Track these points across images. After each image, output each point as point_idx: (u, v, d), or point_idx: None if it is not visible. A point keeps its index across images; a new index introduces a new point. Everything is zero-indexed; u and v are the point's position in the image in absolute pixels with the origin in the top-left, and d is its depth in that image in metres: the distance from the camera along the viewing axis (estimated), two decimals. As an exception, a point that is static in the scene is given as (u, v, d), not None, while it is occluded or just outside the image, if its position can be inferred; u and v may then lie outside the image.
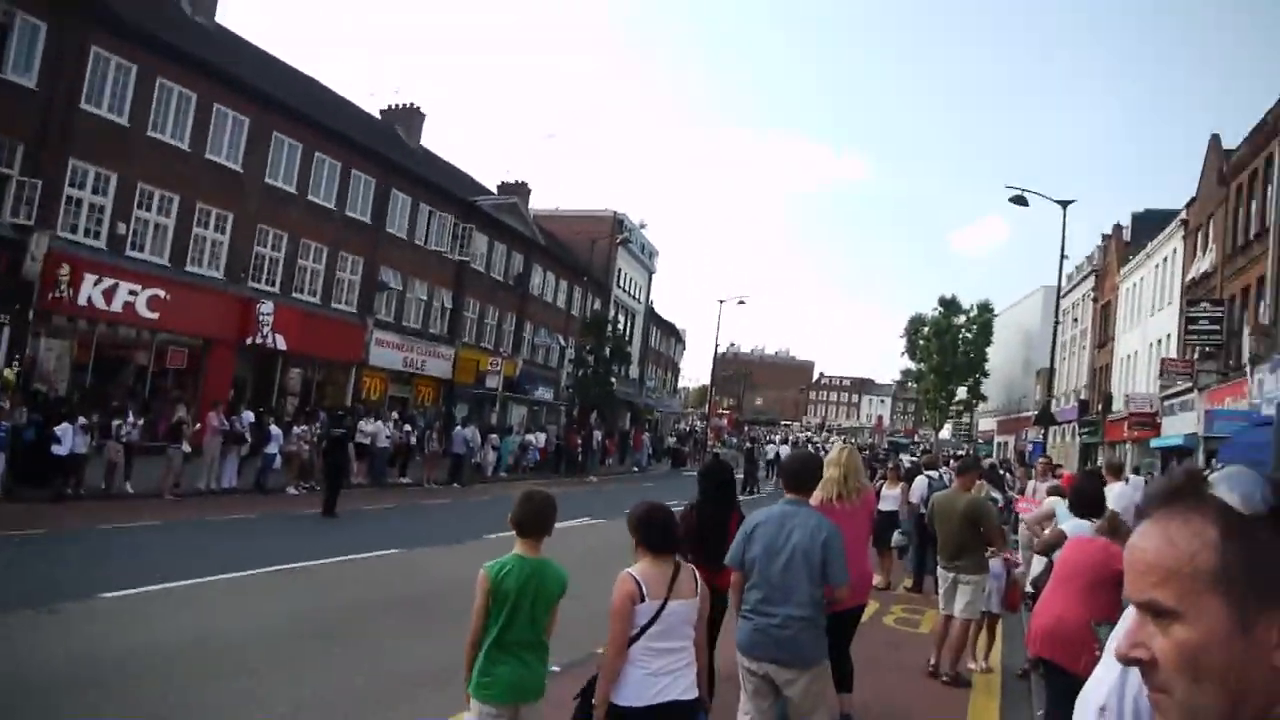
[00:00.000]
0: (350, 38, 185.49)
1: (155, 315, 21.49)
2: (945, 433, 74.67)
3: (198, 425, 19.15)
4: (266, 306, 24.48)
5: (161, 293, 21.52)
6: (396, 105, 36.25)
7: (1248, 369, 22.95)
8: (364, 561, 12.49)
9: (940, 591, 8.33)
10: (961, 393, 68.10)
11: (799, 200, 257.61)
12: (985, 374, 64.99)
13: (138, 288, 20.99)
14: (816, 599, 4.45)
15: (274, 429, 20.80)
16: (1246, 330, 22.92)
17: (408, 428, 27.68)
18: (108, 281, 20.29)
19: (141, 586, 9.51)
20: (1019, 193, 30.33)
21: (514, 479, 29.94)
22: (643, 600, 3.79)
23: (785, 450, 39.10)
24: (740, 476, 29.01)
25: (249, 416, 20.66)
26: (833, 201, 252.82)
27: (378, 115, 35.78)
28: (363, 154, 29.15)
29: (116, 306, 20.57)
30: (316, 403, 26.92)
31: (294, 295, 26.37)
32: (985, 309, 65.54)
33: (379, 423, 25.54)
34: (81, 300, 19.74)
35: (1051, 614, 5.17)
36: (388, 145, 32.08)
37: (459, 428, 29.50)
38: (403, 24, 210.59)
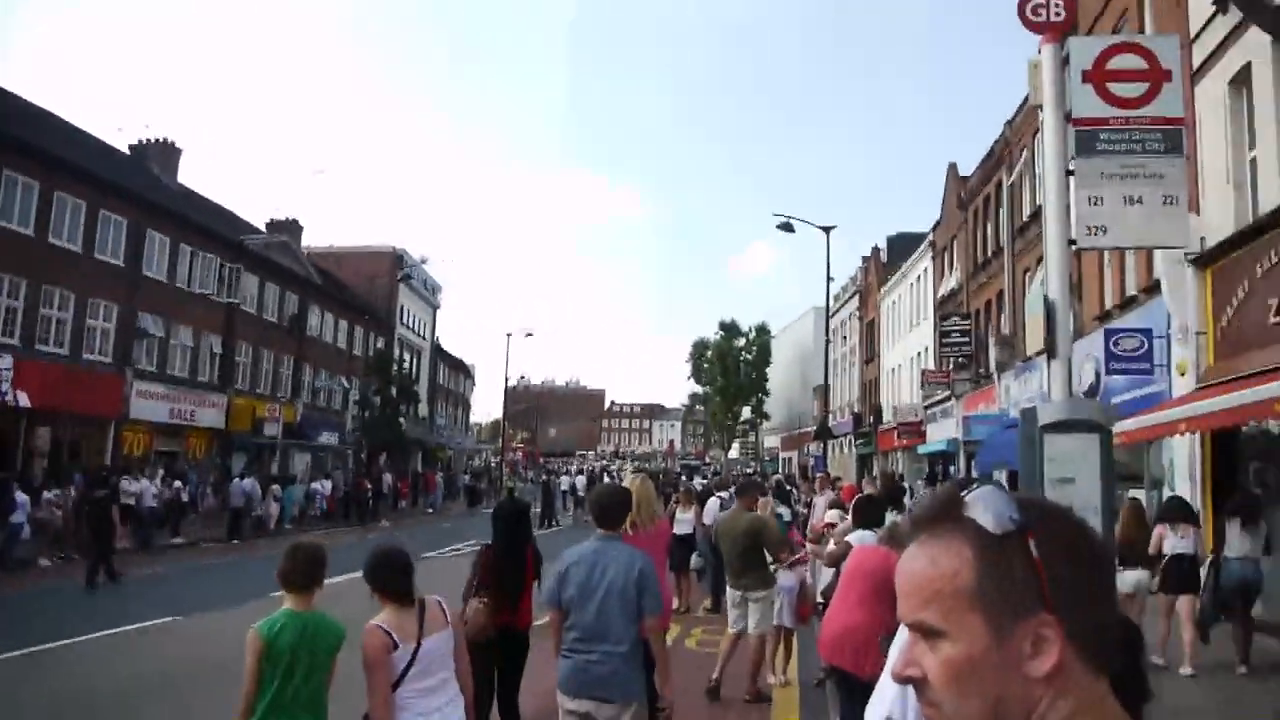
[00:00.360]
0: (90, 67, 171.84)
1: None
2: (734, 452, 77.61)
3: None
4: (5, 361, 22.07)
5: (-128, 350, 18.96)
6: (148, 140, 33.78)
7: (995, 376, 25.23)
8: (135, 633, 11.45)
9: (730, 610, 8.52)
10: (746, 412, 71.09)
11: (584, 233, 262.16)
12: (767, 393, 68.13)
13: None
14: (633, 634, 4.47)
15: (20, 495, 18.75)
16: (992, 340, 25.22)
17: (178, 484, 25.78)
18: None
19: None
20: (785, 219, 32.28)
21: (300, 530, 28.45)
22: (396, 648, 3.71)
23: (580, 481, 39.32)
24: (537, 510, 28.98)
25: (-11, 483, 18.51)
26: (614, 234, 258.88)
27: (127, 151, 33.23)
28: (112, 192, 26.93)
29: None
30: (70, 464, 24.49)
31: (38, 348, 23.91)
32: (763, 331, 68.82)
33: (144, 481, 23.65)
34: None
35: (838, 621, 5.40)
36: (141, 183, 29.86)
37: (237, 480, 27.72)
38: (151, 54, 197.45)
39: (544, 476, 40.76)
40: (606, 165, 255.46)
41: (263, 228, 40.11)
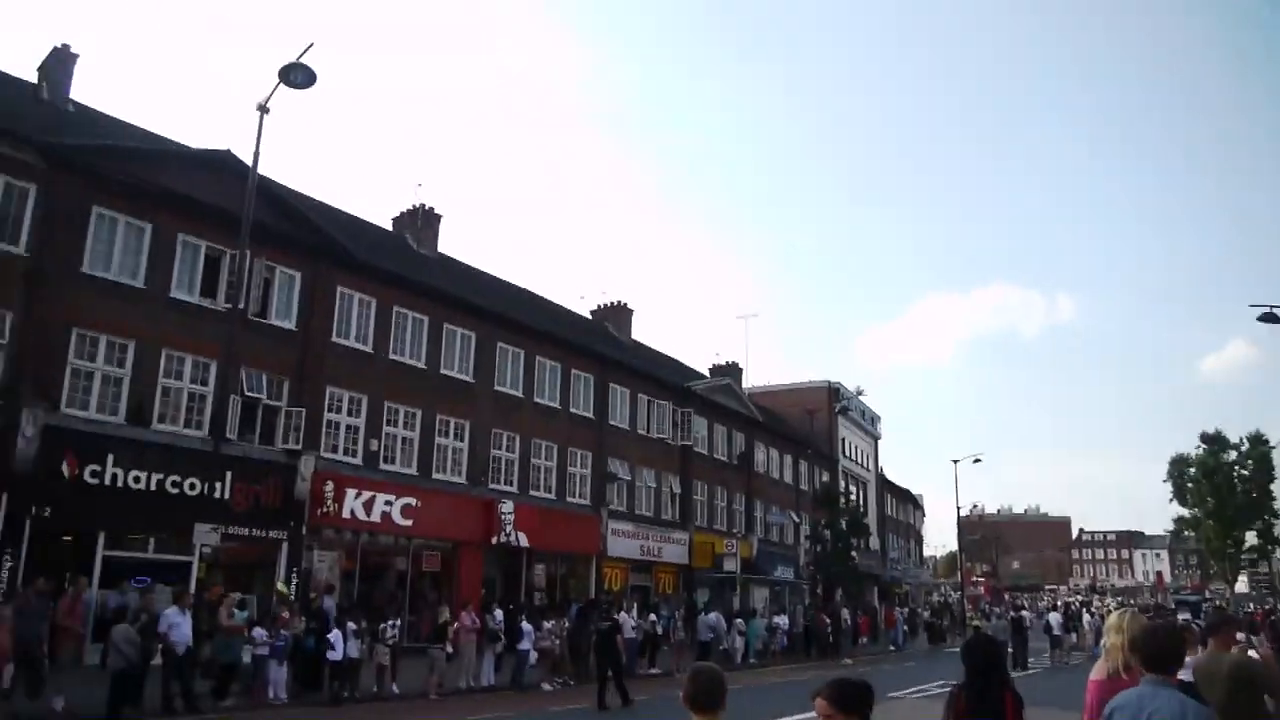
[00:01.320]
0: (556, 248, 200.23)
1: (409, 522, 22.76)
2: (1241, 585, 65.88)
3: (455, 625, 19.60)
4: (507, 506, 25.41)
5: (413, 500, 22.85)
6: (606, 305, 38.26)
7: None
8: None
9: None
10: (1251, 538, 60.40)
11: (1018, 351, 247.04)
12: (1277, 515, 57.49)
13: (392, 497, 22.40)
14: None
15: (525, 625, 20.95)
16: None
17: (652, 617, 27.30)
18: (366, 494, 21.82)
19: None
20: (1268, 310, 27.63)
21: (764, 664, 28.58)
22: None
23: (1055, 618, 35.43)
24: (1010, 652, 26.42)
25: (499, 614, 20.99)
26: (1052, 348, 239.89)
27: (589, 316, 37.81)
28: (580, 353, 30.65)
29: (375, 516, 21.98)
30: (562, 597, 27.19)
31: (531, 493, 27.30)
32: (1258, 441, 58.58)
33: (623, 613, 25.37)
34: (345, 513, 21.25)
35: None
36: (602, 343, 33.63)
37: (703, 614, 28.84)
38: (603, 232, 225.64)
39: (1012, 613, 37.39)
40: (1037, 278, 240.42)
41: (706, 373, 42.95)
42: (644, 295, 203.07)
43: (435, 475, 24.35)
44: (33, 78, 21.34)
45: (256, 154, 17.16)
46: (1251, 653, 10.79)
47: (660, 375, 35.74)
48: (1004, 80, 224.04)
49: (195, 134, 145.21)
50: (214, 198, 19.46)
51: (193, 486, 17.95)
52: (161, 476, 17.84)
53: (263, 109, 17.02)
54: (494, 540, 24.98)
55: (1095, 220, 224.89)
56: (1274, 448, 58.00)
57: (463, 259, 32.07)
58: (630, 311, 38.53)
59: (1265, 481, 56.99)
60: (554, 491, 28.40)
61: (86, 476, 17.06)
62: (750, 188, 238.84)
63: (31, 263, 17.15)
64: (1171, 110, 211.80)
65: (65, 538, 17.20)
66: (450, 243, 30.63)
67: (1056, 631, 33.49)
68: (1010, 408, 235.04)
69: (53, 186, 17.51)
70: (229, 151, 20.29)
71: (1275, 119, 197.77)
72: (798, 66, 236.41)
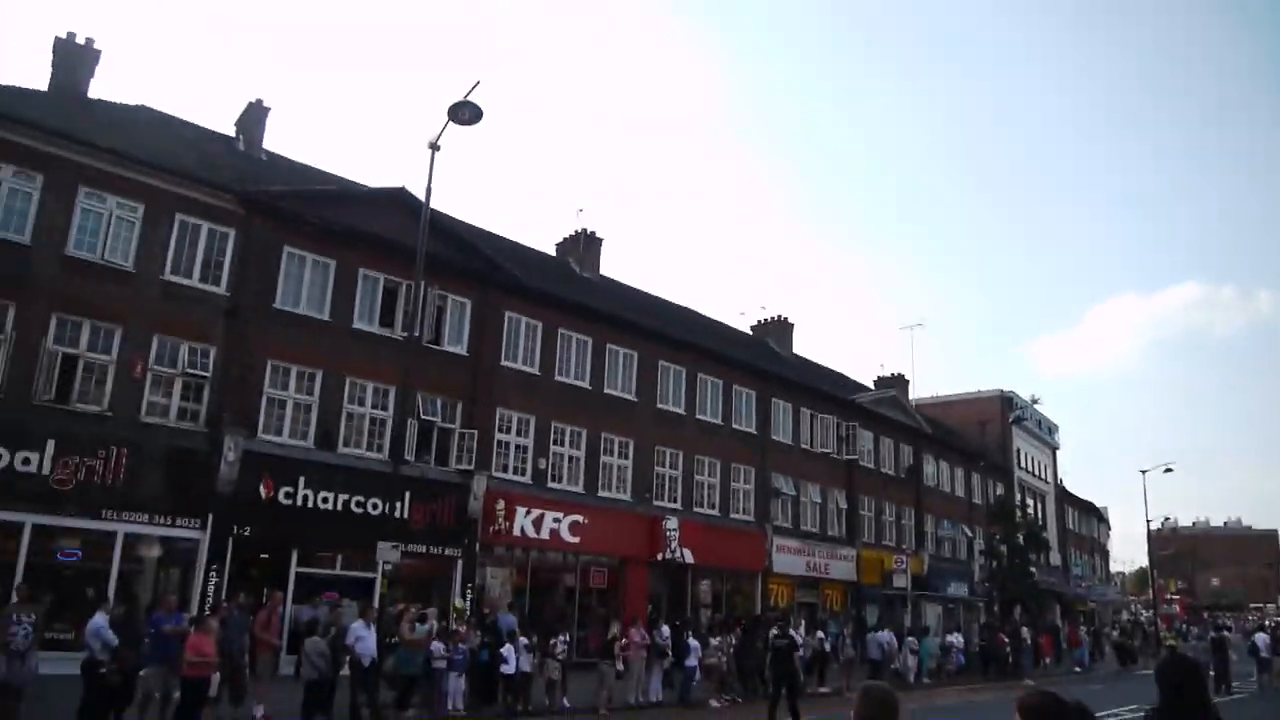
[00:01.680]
0: (716, 266, 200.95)
1: (576, 539, 23.37)
2: None
3: (623, 640, 19.91)
4: (671, 522, 25.66)
5: (580, 518, 23.46)
6: (766, 320, 38.09)
7: None
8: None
9: None
10: None
11: (1212, 351, 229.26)
12: None
13: (560, 515, 23.08)
14: None
15: (692, 641, 21.08)
16: None
17: (820, 634, 26.91)
18: (535, 512, 22.58)
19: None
20: None
21: (938, 684, 27.67)
22: None
23: (1263, 639, 32.63)
24: (1211, 674, 24.54)
25: (666, 630, 21.18)
26: (1251, 347, 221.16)
27: (749, 331, 37.73)
28: (741, 369, 30.64)
29: (544, 534, 22.71)
30: (728, 613, 27.18)
31: (695, 509, 27.46)
32: None
33: (793, 630, 25.11)
34: (516, 531, 22.05)
35: None
36: (763, 358, 33.50)
37: (872, 632, 28.20)
38: (763, 249, 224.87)
39: (1212, 632, 34.71)
40: (1230, 271, 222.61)
41: (871, 385, 42.05)
42: (805, 310, 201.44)
43: (601, 493, 24.88)
44: (231, 131, 23.33)
45: (429, 190, 18.06)
46: None
47: (823, 389, 35.25)
48: (1179, 65, 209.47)
49: (373, 173, 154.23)
50: (391, 233, 20.70)
51: (375, 506, 19.04)
52: (347, 497, 19.07)
53: (434, 146, 17.89)
54: (659, 557, 25.28)
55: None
56: None
57: (624, 280, 32.73)
58: (791, 326, 38.24)
59: None
60: (717, 508, 28.47)
61: (281, 498, 18.46)
62: (912, 196, 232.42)
63: (231, 300, 18.72)
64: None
65: (263, 555, 18.60)
66: (612, 265, 31.48)
67: (1264, 654, 30.86)
68: (1205, 414, 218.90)
69: (250, 230, 19.09)
70: (404, 189, 21.52)
71: None
72: (959, 65, 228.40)
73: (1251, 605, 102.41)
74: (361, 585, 18.35)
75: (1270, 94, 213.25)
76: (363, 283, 20.83)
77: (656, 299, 33.28)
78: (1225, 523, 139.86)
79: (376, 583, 17.72)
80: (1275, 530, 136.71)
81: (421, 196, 18.20)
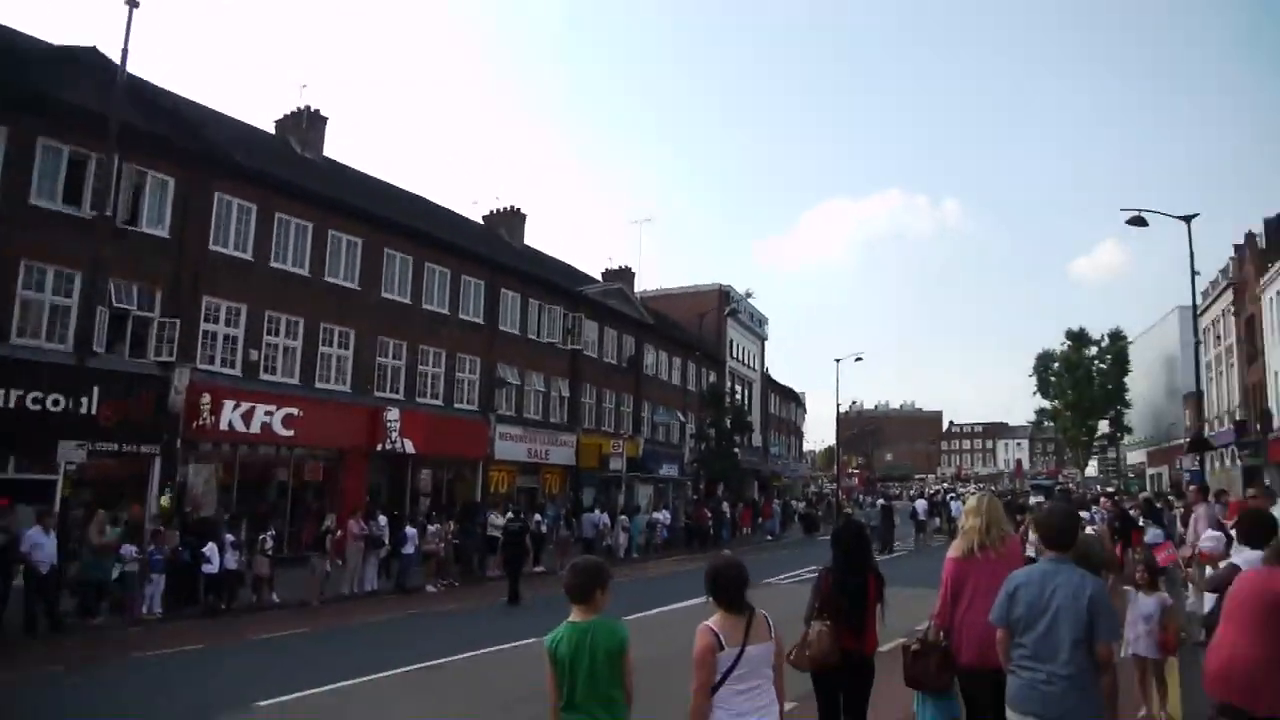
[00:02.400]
0: (447, 152, 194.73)
1: (291, 432, 22.64)
2: (1091, 470, 71.33)
3: (339, 533, 19.88)
4: (393, 414, 25.47)
5: (295, 410, 22.68)
6: (498, 210, 37.70)
7: None
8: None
9: None
10: (1103, 426, 65.14)
11: (908, 250, 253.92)
12: (1127, 405, 62.03)
13: (273, 408, 22.20)
14: (1080, 660, 4.28)
15: (409, 530, 21.40)
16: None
17: (537, 517, 28.07)
18: (245, 405, 21.55)
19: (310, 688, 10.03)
20: (1136, 213, 29.11)
21: (646, 558, 29.95)
22: (721, 649, 4.06)
23: (922, 505, 37.84)
24: (878, 537, 28.33)
25: (383, 520, 21.33)
26: (938, 249, 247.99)
27: (481, 221, 37.29)
28: (471, 259, 30.34)
29: (255, 428, 21.78)
30: (448, 501, 27.68)
31: (418, 400, 27.35)
32: (1117, 337, 62.91)
33: (496, 514, 26.01)
34: (223, 425, 20.98)
35: (1222, 654, 4.77)
36: (493, 248, 33.32)
37: (588, 512, 29.87)
38: (496, 136, 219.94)
39: (881, 501, 39.66)
40: (925, 182, 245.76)
41: (599, 277, 43.11)
42: (539, 201, 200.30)
43: (319, 384, 24.13)
44: None
45: (125, 51, 16.31)
46: (1090, 529, 11.99)
47: (552, 280, 35.73)
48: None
49: (57, 31, 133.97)
50: (78, 98, 18.34)
51: (56, 402, 17.39)
52: (21, 393, 17.25)
53: (131, 2, 16.09)
54: (379, 448, 25.09)
55: (982, 126, 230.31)
56: (1130, 343, 62.19)
57: (350, 164, 31.15)
58: (523, 217, 38.03)
59: (1120, 375, 61.22)
60: (441, 398, 28.50)
61: (-62, 394, 16.44)
62: (653, 98, 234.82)
63: None
64: (1045, 24, 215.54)
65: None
66: (337, 147, 29.59)
67: (921, 517, 36.17)
68: (896, 310, 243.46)
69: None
70: (95, 48, 18.93)
71: (1152, 21, 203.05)
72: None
73: (916, 476, 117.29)
74: (40, 488, 16.83)
75: (973, 17, 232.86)
76: (42, 154, 18.33)
77: (384, 184, 32.00)
78: (901, 405, 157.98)
79: (58, 485, 16.41)
80: (941, 412, 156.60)
81: (116, 58, 16.39)
